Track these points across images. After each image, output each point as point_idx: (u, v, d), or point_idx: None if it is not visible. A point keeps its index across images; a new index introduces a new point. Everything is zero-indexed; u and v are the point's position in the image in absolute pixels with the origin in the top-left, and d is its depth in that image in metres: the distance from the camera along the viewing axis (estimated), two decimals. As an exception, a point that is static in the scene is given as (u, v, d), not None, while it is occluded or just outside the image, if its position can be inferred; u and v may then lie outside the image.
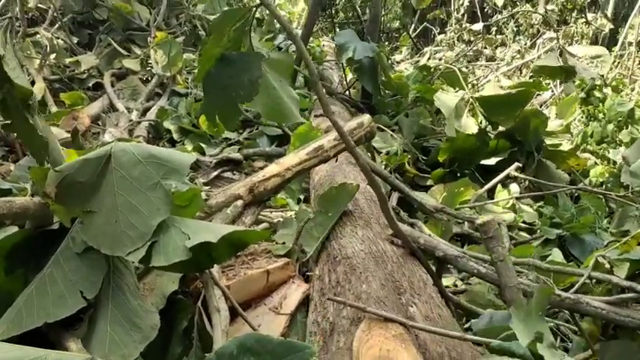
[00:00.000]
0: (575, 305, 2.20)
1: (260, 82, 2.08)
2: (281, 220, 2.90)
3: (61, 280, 1.64)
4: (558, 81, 6.50)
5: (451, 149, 4.71)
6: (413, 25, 12.73)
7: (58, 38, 6.26)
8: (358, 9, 11.16)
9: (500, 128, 4.98)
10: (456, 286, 3.11)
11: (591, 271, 2.44)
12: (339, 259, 2.26)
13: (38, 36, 6.01)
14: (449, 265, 2.59)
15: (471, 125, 4.73)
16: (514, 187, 4.35)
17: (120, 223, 1.62)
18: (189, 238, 1.59)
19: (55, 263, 1.68)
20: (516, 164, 4.36)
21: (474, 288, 2.99)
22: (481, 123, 4.85)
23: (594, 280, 2.63)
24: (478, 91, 6.15)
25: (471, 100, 4.93)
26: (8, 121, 1.91)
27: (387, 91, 5.81)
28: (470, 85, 6.12)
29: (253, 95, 2.09)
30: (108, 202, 1.66)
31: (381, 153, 4.68)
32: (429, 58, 9.78)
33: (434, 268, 2.46)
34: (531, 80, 6.27)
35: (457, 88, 5.68)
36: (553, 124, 5.64)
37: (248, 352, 1.10)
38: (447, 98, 4.83)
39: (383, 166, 4.35)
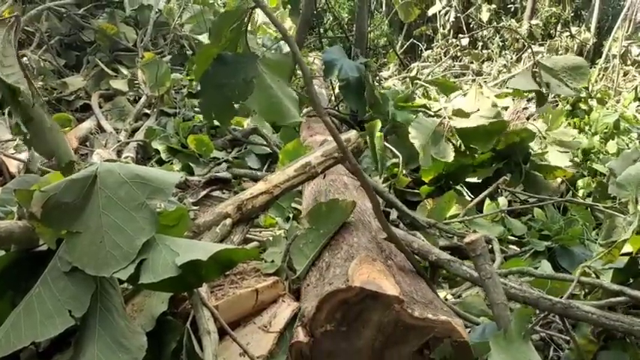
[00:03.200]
0: (566, 310, 2.19)
1: (255, 82, 2.14)
2: (270, 238, 2.90)
3: (49, 300, 1.63)
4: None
5: (434, 170, 4.73)
6: (400, 42, 12.83)
7: (45, 60, 6.27)
8: (345, 26, 11.26)
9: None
10: (446, 299, 3.11)
11: (579, 278, 2.45)
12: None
13: (25, 58, 6.01)
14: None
15: (448, 152, 4.71)
16: (502, 201, 4.38)
17: (105, 243, 1.62)
18: (179, 255, 1.59)
19: (42, 283, 1.67)
20: (504, 177, 4.39)
21: (466, 299, 3.01)
22: (460, 146, 4.87)
23: (585, 292, 2.65)
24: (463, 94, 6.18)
25: (448, 125, 4.93)
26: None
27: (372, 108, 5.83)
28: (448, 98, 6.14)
29: (248, 94, 2.15)
30: (93, 223, 1.65)
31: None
32: (416, 74, 9.85)
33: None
34: (511, 90, 6.32)
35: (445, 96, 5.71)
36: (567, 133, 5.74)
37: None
38: (425, 124, 4.81)
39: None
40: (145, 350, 1.64)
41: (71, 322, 1.61)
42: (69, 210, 1.69)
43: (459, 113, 5.04)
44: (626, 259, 2.57)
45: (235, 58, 2.24)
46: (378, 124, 4.21)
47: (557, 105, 7.55)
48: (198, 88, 5.96)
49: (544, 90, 4.92)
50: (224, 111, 2.26)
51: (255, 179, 4.64)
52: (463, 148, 4.89)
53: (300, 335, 2.03)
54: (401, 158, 4.57)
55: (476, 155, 4.94)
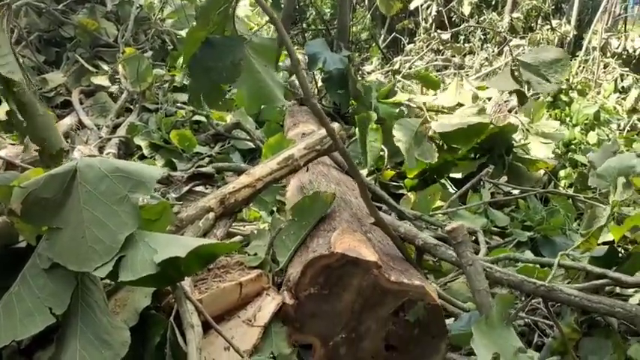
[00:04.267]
0: (549, 293, 2.21)
1: (243, 65, 2.18)
2: (255, 232, 2.89)
3: (29, 298, 1.62)
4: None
5: (418, 167, 4.74)
6: (382, 36, 12.83)
7: (24, 57, 6.18)
8: (327, 20, 11.23)
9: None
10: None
11: (562, 262, 2.47)
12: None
13: (4, 55, 5.93)
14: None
15: (432, 152, 4.71)
16: (485, 193, 4.40)
17: (87, 238, 1.61)
18: (157, 253, 1.58)
19: (22, 281, 1.66)
20: (487, 169, 4.41)
21: (453, 287, 3.04)
22: (443, 145, 4.89)
23: (568, 281, 2.68)
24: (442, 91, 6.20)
25: (429, 128, 4.93)
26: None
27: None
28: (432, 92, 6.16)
29: (236, 77, 2.19)
30: (74, 218, 1.64)
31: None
32: (398, 68, 9.86)
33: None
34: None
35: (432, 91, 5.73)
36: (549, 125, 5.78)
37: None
38: (408, 125, 4.81)
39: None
40: (127, 346, 1.63)
41: (52, 319, 1.60)
42: (49, 206, 1.68)
43: (441, 110, 5.07)
44: (604, 247, 2.60)
45: (223, 40, 2.27)
46: (373, 116, 4.20)
47: (538, 97, 7.60)
48: (184, 81, 5.96)
49: (525, 89, 4.95)
50: (212, 94, 2.30)
51: (240, 171, 4.63)
52: (446, 147, 4.91)
53: (286, 298, 2.24)
54: (386, 152, 4.58)
55: (456, 152, 4.95)
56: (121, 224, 1.63)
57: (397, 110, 5.50)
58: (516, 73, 4.91)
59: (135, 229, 1.64)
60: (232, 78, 2.20)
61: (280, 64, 6.52)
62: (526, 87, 4.99)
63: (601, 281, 2.31)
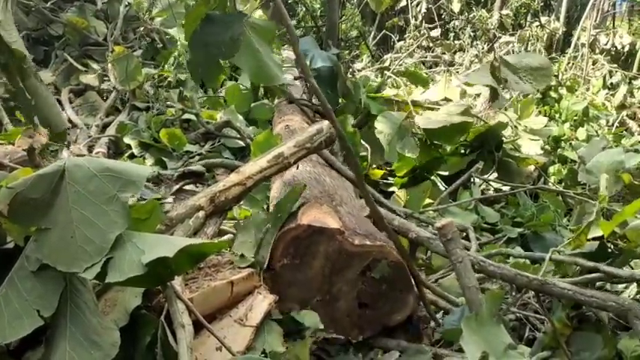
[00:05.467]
0: (543, 286, 2.25)
1: (241, 40, 2.23)
2: (240, 223, 2.86)
3: (17, 300, 1.60)
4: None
5: (407, 165, 4.74)
6: (372, 33, 12.83)
7: (12, 56, 6.13)
8: (317, 18, 11.21)
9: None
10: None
11: (547, 266, 2.49)
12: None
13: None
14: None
15: (413, 146, 4.72)
16: (475, 190, 4.42)
17: (76, 238, 1.59)
18: (145, 253, 1.57)
19: (9, 283, 1.64)
20: (476, 166, 4.43)
21: (444, 282, 3.07)
22: (426, 142, 4.90)
23: (559, 277, 2.69)
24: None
25: (413, 122, 4.94)
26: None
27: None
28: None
29: (235, 52, 2.24)
30: (63, 218, 1.62)
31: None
32: (389, 65, 9.87)
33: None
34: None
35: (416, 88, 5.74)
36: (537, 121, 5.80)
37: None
38: (391, 119, 4.81)
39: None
40: (117, 346, 1.62)
41: (40, 322, 1.58)
42: (37, 206, 1.66)
43: (428, 106, 5.07)
44: (594, 243, 2.61)
45: (223, 17, 2.32)
46: (349, 117, 4.21)
47: (528, 93, 7.63)
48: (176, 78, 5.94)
49: (501, 86, 4.97)
50: (211, 69, 2.34)
51: (230, 167, 4.62)
52: (429, 142, 4.92)
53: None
54: (369, 151, 4.58)
55: (443, 149, 4.96)
56: (110, 223, 1.62)
57: (386, 107, 5.49)
58: (497, 72, 4.93)
59: (125, 229, 1.62)
60: (231, 53, 2.24)
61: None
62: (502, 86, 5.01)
63: (593, 275, 2.33)
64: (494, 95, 5.13)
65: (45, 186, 1.67)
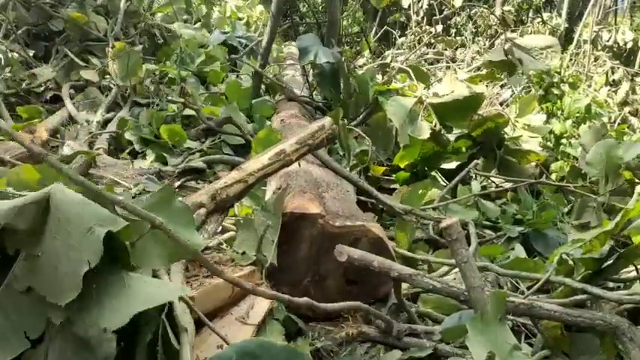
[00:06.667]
0: (530, 310, 2.28)
1: None
2: (241, 221, 2.85)
3: (4, 321, 1.55)
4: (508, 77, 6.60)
5: (410, 155, 4.72)
6: (374, 29, 12.81)
7: (12, 51, 6.12)
8: (318, 14, 11.17)
9: (457, 131, 5.02)
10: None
11: (555, 268, 2.49)
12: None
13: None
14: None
15: (424, 129, 4.73)
16: (475, 185, 4.40)
17: (59, 269, 1.53)
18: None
19: (-4, 303, 1.59)
20: (475, 161, 4.41)
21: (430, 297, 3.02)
22: (435, 126, 4.88)
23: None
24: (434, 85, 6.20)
25: (425, 103, 4.93)
26: None
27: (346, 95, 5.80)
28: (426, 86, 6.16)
29: None
30: (49, 247, 1.57)
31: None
32: (390, 61, 9.86)
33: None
34: (484, 72, 6.32)
35: (419, 84, 5.73)
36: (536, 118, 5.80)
37: (248, 356, 1.06)
38: (401, 103, 4.81)
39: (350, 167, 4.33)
40: (113, 358, 1.58)
41: (27, 344, 1.53)
42: (25, 234, 1.59)
43: (435, 96, 5.08)
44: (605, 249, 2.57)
45: None
46: (340, 112, 4.21)
47: (529, 90, 7.61)
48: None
49: (517, 65, 4.99)
50: None
51: (231, 163, 4.61)
52: (439, 127, 4.90)
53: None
54: (370, 144, 4.58)
55: (450, 139, 4.94)
56: (81, 259, 1.53)
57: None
58: (509, 53, 4.93)
59: (95, 265, 1.53)
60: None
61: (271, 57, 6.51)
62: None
63: (581, 297, 2.35)
64: (511, 69, 5.17)
65: (30, 216, 1.60)
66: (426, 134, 4.68)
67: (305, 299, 1.97)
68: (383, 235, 2.76)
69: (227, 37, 7.93)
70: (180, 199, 2.07)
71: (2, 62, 5.70)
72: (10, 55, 5.96)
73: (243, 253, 2.46)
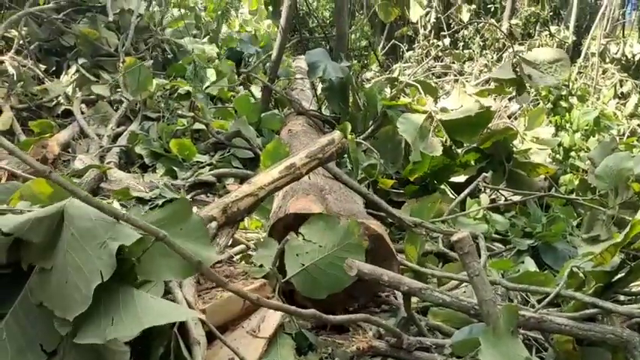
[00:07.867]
0: (540, 324, 2.28)
1: None
2: (261, 239, 2.91)
3: (21, 335, 1.58)
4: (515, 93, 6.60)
5: (420, 169, 4.73)
6: (382, 43, 12.86)
7: (24, 66, 6.19)
8: (327, 28, 11.25)
9: (466, 144, 5.03)
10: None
11: (566, 281, 2.49)
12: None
13: (4, 64, 5.94)
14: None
15: (436, 146, 4.73)
16: (484, 198, 4.40)
17: (69, 283, 1.55)
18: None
19: (13, 316, 1.61)
20: (484, 174, 4.41)
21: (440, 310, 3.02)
22: (446, 141, 4.89)
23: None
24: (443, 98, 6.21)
25: (435, 119, 4.94)
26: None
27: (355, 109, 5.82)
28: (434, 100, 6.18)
29: None
30: (60, 261, 1.59)
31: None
32: (398, 75, 9.89)
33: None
34: (493, 87, 6.33)
35: (428, 97, 5.75)
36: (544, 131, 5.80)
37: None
38: (412, 120, 4.81)
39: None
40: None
41: (43, 357, 1.56)
42: (39, 248, 1.62)
43: (445, 110, 5.08)
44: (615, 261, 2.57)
45: None
46: (348, 125, 4.23)
47: (538, 103, 7.61)
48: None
49: (526, 81, 4.98)
50: None
51: (241, 177, 4.63)
52: (449, 142, 4.91)
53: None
54: (378, 156, 4.59)
55: (459, 152, 4.95)
56: (94, 272, 1.55)
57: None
58: (517, 68, 4.92)
59: (107, 279, 1.55)
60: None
61: (279, 71, 6.56)
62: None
63: (592, 310, 2.35)
64: (520, 89, 5.17)
65: (44, 229, 1.63)
66: (438, 151, 4.67)
67: (312, 311, 1.98)
68: (383, 232, 2.83)
69: (241, 49, 7.79)
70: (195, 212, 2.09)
71: (15, 77, 5.76)
72: (22, 70, 6.02)
73: (261, 265, 2.49)
